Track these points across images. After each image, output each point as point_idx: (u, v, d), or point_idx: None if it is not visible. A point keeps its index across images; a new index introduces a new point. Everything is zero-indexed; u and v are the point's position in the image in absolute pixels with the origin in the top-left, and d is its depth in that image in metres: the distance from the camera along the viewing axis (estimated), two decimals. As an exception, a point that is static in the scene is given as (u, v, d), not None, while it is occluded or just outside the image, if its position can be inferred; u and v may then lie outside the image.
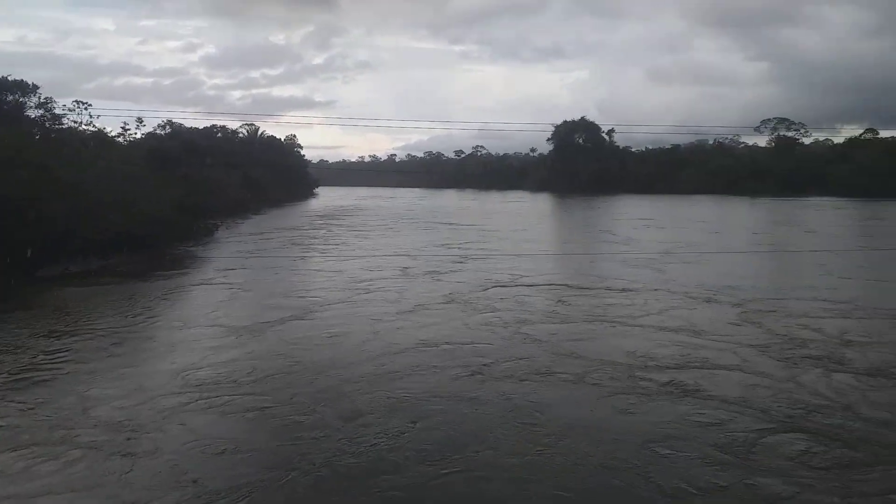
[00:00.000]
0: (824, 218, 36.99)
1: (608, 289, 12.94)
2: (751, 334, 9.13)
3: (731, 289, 12.63)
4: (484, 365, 7.60)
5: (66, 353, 8.09)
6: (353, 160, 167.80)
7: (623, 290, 12.72)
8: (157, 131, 47.42)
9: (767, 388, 6.82)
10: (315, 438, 5.48)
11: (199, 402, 6.37)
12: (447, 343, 8.64)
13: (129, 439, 5.46)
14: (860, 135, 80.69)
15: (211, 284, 13.66)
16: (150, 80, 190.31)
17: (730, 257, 18.35)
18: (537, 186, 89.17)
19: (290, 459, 5.09)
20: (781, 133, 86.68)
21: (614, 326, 9.73)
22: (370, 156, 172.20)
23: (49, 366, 7.57)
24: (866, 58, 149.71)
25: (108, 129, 26.89)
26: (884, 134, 79.36)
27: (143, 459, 5.10)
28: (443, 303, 11.39)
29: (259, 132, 74.74)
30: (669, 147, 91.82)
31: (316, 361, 7.76)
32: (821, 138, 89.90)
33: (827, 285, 13.34)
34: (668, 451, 5.27)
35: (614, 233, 26.98)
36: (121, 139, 27.71)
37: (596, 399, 6.56)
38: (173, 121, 54.17)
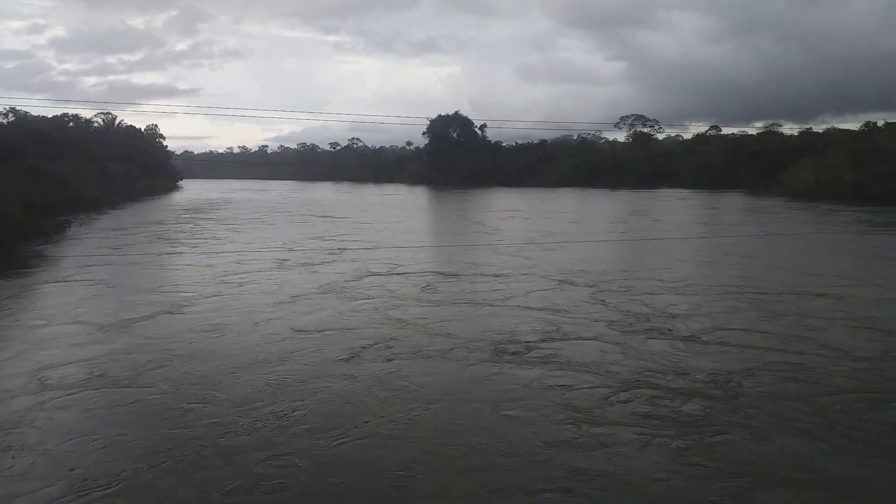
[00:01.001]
0: (671, 207, 40.64)
1: (478, 274, 13.76)
2: (602, 311, 10.20)
3: (587, 273, 13.87)
4: (361, 348, 8.01)
5: None
6: (222, 151, 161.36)
7: (492, 275, 13.57)
8: (-1, 120, 43.20)
9: (616, 354, 7.78)
10: (200, 425, 5.61)
11: (68, 397, 6.27)
12: (326, 329, 8.95)
13: (-3, 436, 5.33)
14: (706, 131, 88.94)
15: (70, 281, 12.96)
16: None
17: (587, 244, 19.93)
18: (414, 179, 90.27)
19: (176, 444, 5.22)
20: (638, 129, 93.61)
21: (482, 308, 10.47)
22: (240, 147, 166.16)
23: None
24: (711, 61, 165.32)
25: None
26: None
27: (17, 454, 5.03)
28: (320, 293, 11.62)
29: (116, 121, 70.21)
30: (537, 142, 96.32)
31: (192, 354, 7.78)
32: (672, 134, 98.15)
33: (666, 267, 14.96)
34: (523, 412, 5.96)
35: (485, 224, 28.21)
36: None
37: (460, 370, 7.19)
38: (17, 108, 49.71)
